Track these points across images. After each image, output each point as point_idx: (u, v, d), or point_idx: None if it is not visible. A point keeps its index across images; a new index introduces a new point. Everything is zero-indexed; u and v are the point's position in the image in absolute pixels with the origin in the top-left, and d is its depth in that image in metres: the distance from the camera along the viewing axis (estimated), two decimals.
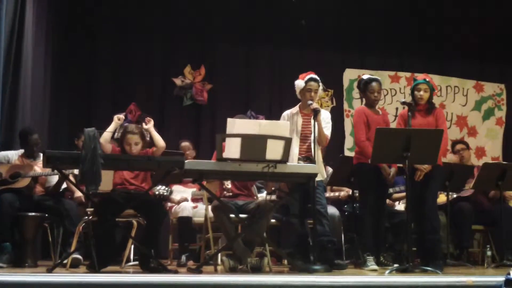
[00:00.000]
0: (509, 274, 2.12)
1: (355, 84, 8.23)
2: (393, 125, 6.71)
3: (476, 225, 6.14)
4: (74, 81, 7.64)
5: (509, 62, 8.89)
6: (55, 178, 5.46)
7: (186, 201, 5.91)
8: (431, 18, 8.62)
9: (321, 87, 5.19)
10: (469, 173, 6.10)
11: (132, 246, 5.51)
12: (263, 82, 8.22)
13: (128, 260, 5.56)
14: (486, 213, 6.03)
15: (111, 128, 4.89)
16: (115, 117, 4.95)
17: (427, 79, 5.19)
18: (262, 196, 5.76)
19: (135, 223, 5.08)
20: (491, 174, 5.68)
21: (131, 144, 4.84)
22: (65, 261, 4.96)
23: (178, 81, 7.87)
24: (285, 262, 5.78)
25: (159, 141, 4.93)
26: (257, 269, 4.68)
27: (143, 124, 5.02)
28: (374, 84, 5.29)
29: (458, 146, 6.61)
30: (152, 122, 4.99)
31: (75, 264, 5.09)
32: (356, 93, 8.32)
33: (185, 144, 6.54)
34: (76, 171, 4.62)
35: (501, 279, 2.14)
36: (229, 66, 8.09)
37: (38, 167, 5.39)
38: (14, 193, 5.25)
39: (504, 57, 8.85)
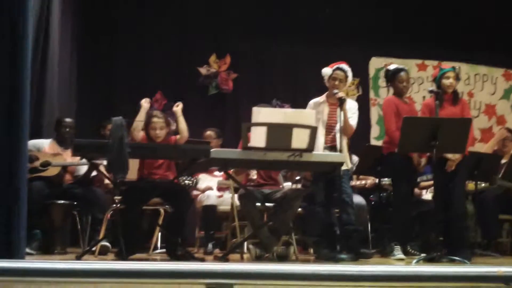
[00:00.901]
0: None
1: (381, 72, 8.20)
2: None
3: (505, 215, 6.05)
4: (99, 75, 7.67)
5: None
6: (84, 168, 5.52)
7: (211, 189, 5.94)
8: (459, 6, 8.48)
9: (350, 79, 5.16)
10: (497, 162, 6.01)
11: (160, 234, 5.56)
12: (287, 71, 8.17)
13: (156, 248, 5.61)
14: None
15: (141, 116, 4.93)
16: (142, 102, 4.99)
17: (455, 67, 5.12)
18: (288, 185, 5.76)
19: (162, 211, 5.12)
20: None
21: (156, 128, 4.87)
22: (93, 248, 5.03)
23: (203, 70, 7.88)
24: (311, 251, 5.78)
25: (184, 129, 4.96)
26: (283, 258, 4.70)
27: (174, 107, 5.04)
28: (402, 73, 5.25)
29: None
30: (181, 105, 5.02)
31: (103, 251, 5.16)
32: (382, 81, 8.24)
33: (210, 133, 6.49)
34: (105, 162, 4.66)
35: None
36: (254, 56, 8.07)
37: (68, 156, 5.46)
38: (43, 181, 5.31)
39: None
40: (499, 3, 8.42)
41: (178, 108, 4.99)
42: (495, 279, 2.12)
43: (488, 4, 8.45)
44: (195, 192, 5.98)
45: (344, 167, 4.84)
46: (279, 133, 4.34)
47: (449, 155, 4.89)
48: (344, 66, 5.12)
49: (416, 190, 5.97)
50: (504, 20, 8.50)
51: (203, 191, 5.93)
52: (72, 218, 5.72)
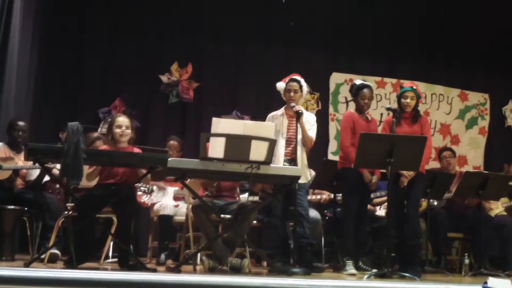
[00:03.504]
0: (486, 283, 2.13)
1: (341, 88, 8.32)
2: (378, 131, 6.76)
3: (455, 233, 6.17)
4: (60, 74, 7.56)
5: (494, 72, 9.01)
6: (36, 172, 5.41)
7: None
8: (419, 26, 8.70)
9: (305, 89, 5.20)
10: (450, 181, 6.14)
11: (111, 243, 5.47)
12: (250, 82, 8.21)
13: (107, 257, 5.53)
14: (465, 220, 6.07)
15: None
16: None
17: (414, 87, 5.22)
18: (245, 197, 5.76)
19: (115, 219, 5.04)
20: (472, 183, 5.72)
21: (122, 126, 4.78)
22: (42, 256, 4.91)
23: (164, 78, 7.83)
24: (265, 263, 5.78)
25: None
26: (236, 270, 4.68)
27: None
28: (366, 90, 5.32)
29: (446, 153, 6.62)
30: None
31: (53, 259, 5.05)
32: (342, 97, 8.36)
33: (173, 143, 6.35)
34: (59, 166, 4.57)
35: (477, 287, 2.15)
36: (216, 65, 8.07)
37: (21, 160, 5.34)
38: None
39: (489, 67, 8.98)
40: (458, 25, 8.68)
41: None
42: None
43: (447, 25, 8.70)
44: (151, 202, 5.91)
45: (302, 180, 4.85)
46: (238, 145, 4.33)
47: (403, 171, 4.97)
48: (297, 77, 5.17)
49: (370, 206, 6.05)
50: (462, 42, 8.77)
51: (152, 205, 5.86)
52: (22, 224, 5.58)
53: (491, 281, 2.14)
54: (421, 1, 8.56)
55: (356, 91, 5.37)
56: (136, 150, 4.84)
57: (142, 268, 4.42)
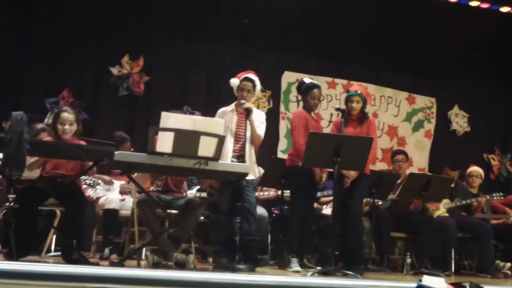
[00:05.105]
0: (421, 280, 2.20)
1: (293, 87, 8.38)
2: (326, 130, 6.85)
3: (398, 232, 6.31)
4: (7, 63, 7.34)
5: (440, 77, 9.27)
6: None
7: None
8: (369, 29, 8.86)
9: (258, 88, 5.21)
10: (395, 182, 6.27)
11: (55, 237, 5.35)
12: (202, 78, 8.17)
13: (49, 251, 5.41)
14: (408, 221, 6.21)
15: None
16: None
17: (359, 91, 5.30)
18: (192, 193, 5.73)
19: (58, 212, 4.94)
20: (416, 184, 5.85)
21: (65, 123, 4.69)
22: None
23: (115, 70, 7.72)
24: (211, 260, 5.77)
25: None
26: (181, 266, 4.66)
27: None
28: (315, 90, 5.37)
29: (399, 157, 6.66)
30: None
31: None
32: (293, 96, 8.43)
33: (122, 135, 6.25)
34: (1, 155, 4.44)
35: (413, 285, 2.21)
36: (168, 60, 8.00)
37: None
38: None
39: (436, 72, 9.24)
40: (407, 30, 8.89)
41: None
42: None
43: (396, 30, 8.90)
44: (96, 195, 5.82)
45: (250, 177, 4.87)
46: (186, 140, 4.30)
47: (345, 172, 5.06)
48: (252, 76, 5.17)
49: (317, 205, 6.13)
50: (411, 47, 8.99)
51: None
52: None
53: (426, 279, 2.21)
54: (371, 6, 8.72)
55: (305, 90, 5.41)
56: (81, 142, 4.74)
57: (85, 262, 4.34)
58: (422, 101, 9.20)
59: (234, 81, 5.17)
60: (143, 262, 5.02)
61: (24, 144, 4.08)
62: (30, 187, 4.65)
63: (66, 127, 4.67)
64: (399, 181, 6.28)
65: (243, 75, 5.17)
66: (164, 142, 4.29)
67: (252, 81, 5.13)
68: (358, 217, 5.15)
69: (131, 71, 7.77)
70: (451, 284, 2.22)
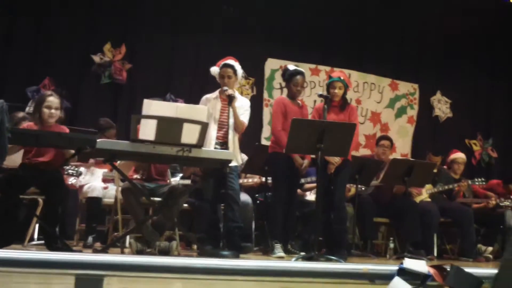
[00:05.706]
0: (402, 263, 2.22)
1: (276, 74, 8.37)
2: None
3: (381, 218, 6.36)
4: None
5: (423, 64, 9.32)
6: None
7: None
8: (352, 16, 8.87)
9: (240, 73, 5.19)
10: (378, 168, 6.31)
11: (37, 226, 5.32)
12: (185, 66, 8.13)
13: (32, 239, 5.38)
14: (391, 206, 6.26)
15: None
16: None
17: (342, 77, 5.32)
18: (176, 180, 5.73)
19: (40, 201, 4.91)
20: (399, 170, 5.90)
21: (51, 106, 4.64)
22: None
23: (96, 58, 7.64)
24: (195, 247, 5.78)
25: None
26: (165, 253, 4.66)
27: None
28: (298, 77, 5.37)
29: (384, 142, 6.69)
30: None
31: None
32: (276, 83, 8.42)
33: (108, 121, 6.23)
34: None
35: (395, 268, 2.24)
36: (150, 48, 7.95)
37: None
38: None
39: (419, 59, 9.28)
40: (389, 17, 8.91)
41: None
42: (361, 276, 2.23)
43: (379, 17, 8.92)
44: (79, 183, 5.80)
45: (233, 163, 4.87)
46: (169, 127, 4.28)
47: (330, 158, 5.08)
48: (231, 61, 5.15)
49: (300, 191, 6.15)
50: (393, 34, 9.02)
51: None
52: None
53: (407, 262, 2.23)
54: None
55: (289, 77, 5.41)
56: (65, 129, 4.71)
57: (68, 250, 4.33)
58: (405, 87, 9.25)
59: (214, 69, 5.16)
60: (127, 250, 5.02)
61: (5, 132, 4.03)
62: (12, 175, 4.61)
63: (53, 110, 4.64)
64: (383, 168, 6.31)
65: (222, 62, 5.15)
66: (147, 130, 4.27)
67: (231, 66, 5.11)
68: (341, 203, 5.19)
69: (113, 58, 7.70)
70: (432, 266, 2.24)
